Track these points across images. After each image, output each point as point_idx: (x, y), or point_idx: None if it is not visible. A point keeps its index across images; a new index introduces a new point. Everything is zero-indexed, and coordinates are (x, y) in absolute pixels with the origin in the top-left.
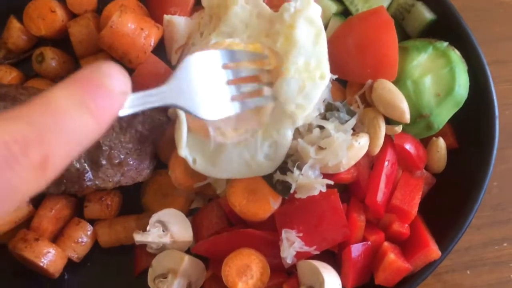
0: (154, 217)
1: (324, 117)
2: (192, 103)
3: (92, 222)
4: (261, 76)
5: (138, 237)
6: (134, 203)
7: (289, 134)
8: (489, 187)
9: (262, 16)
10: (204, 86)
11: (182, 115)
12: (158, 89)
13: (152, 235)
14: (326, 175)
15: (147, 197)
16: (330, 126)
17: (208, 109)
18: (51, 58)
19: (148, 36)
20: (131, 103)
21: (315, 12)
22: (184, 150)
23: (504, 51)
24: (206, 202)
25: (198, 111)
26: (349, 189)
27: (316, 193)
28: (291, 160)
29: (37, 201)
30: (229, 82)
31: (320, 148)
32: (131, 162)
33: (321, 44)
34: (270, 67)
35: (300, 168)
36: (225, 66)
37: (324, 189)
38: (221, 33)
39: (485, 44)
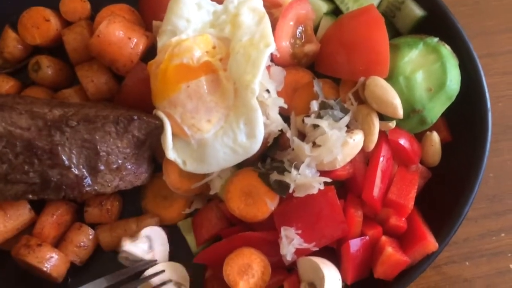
0: (145, 231)
1: (318, 115)
2: None
3: (93, 226)
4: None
5: (127, 246)
6: (134, 206)
7: (256, 103)
8: (485, 179)
9: (201, 6)
10: None
11: (165, 119)
12: None
13: (140, 249)
14: (322, 173)
15: (147, 200)
16: (324, 124)
17: None
18: (47, 66)
19: (136, 45)
20: None
21: (257, 2)
22: (172, 152)
23: (496, 44)
24: (206, 203)
25: None
26: (346, 186)
27: (315, 191)
28: (288, 159)
29: (39, 207)
30: None
31: (316, 146)
32: (129, 167)
33: (264, 24)
34: (222, 55)
35: (297, 168)
36: None
37: (322, 187)
38: (164, 32)
39: (476, 37)
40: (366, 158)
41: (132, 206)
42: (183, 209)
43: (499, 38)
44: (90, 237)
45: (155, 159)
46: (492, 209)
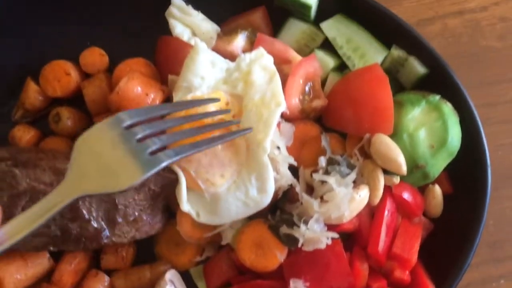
0: (168, 275)
1: (326, 171)
2: (101, 182)
3: (107, 271)
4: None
5: None
6: (148, 251)
7: (267, 160)
8: (486, 226)
9: (215, 64)
10: (108, 158)
11: (180, 173)
12: (55, 191)
13: None
14: (329, 226)
15: (160, 246)
16: (331, 180)
17: (121, 179)
18: (67, 118)
19: (153, 100)
20: (26, 222)
21: (268, 61)
22: (186, 205)
23: (495, 94)
24: (217, 250)
25: (110, 187)
26: (352, 237)
27: (322, 246)
28: (297, 214)
29: (56, 253)
30: (140, 140)
31: (323, 201)
32: (145, 218)
33: (275, 82)
34: (235, 112)
35: (306, 223)
36: (128, 126)
37: (329, 242)
38: (179, 88)
39: (476, 87)
40: (371, 211)
41: (146, 252)
42: (195, 256)
43: (497, 87)
44: (106, 283)
45: (169, 207)
46: (492, 255)
